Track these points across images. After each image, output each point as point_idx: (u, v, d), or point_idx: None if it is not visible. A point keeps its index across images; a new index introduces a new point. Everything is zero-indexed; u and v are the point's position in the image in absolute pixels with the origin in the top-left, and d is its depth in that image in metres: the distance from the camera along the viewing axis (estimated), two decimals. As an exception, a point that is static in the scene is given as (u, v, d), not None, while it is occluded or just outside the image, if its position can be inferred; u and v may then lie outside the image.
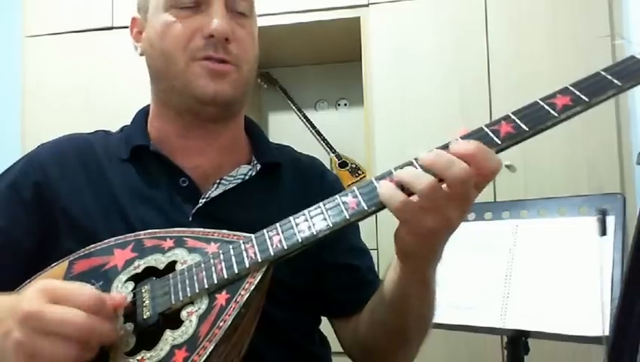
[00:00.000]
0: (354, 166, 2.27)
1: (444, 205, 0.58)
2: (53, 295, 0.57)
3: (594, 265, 1.06)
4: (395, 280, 0.71)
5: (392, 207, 0.59)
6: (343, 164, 2.28)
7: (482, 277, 1.20)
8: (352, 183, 2.21)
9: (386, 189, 0.59)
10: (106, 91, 2.05)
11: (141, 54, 0.89)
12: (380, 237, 1.79)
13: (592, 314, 1.03)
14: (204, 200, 0.82)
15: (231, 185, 0.85)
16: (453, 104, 1.81)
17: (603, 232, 1.02)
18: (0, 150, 1.87)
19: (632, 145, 1.69)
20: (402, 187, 0.59)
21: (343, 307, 0.88)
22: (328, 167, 1.05)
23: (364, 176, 2.18)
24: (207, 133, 0.86)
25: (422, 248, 0.64)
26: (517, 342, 1.13)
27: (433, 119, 1.82)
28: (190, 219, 0.81)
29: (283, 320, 0.81)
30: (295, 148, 1.03)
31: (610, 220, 1.08)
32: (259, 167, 0.88)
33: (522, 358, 1.13)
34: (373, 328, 0.81)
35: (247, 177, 0.87)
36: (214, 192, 0.83)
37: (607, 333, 0.95)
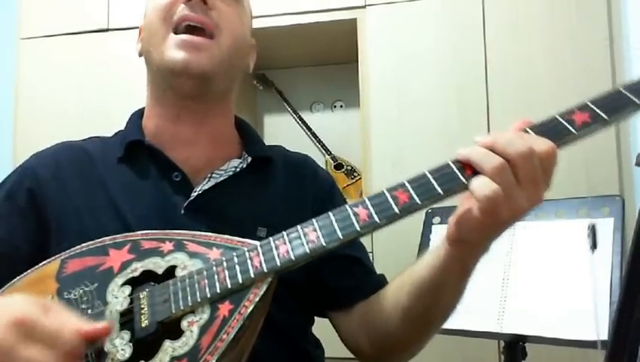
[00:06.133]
0: (350, 168, 2.26)
1: (514, 188, 0.56)
2: (29, 333, 0.54)
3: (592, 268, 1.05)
4: (437, 265, 0.69)
5: (488, 166, 0.56)
6: (338, 166, 2.27)
7: (479, 280, 1.17)
8: (348, 185, 2.21)
9: (479, 150, 0.58)
10: (101, 93, 2.04)
11: (140, 55, 0.90)
12: (375, 241, 1.77)
13: (590, 318, 1.02)
14: (195, 193, 0.83)
15: (222, 178, 0.86)
16: (451, 106, 1.80)
17: (594, 246, 1.01)
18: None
19: (630, 146, 1.68)
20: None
21: (347, 296, 0.87)
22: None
23: (360, 179, 2.17)
24: (195, 119, 0.87)
25: (483, 235, 0.62)
26: (514, 347, 1.12)
27: (430, 121, 1.81)
28: (182, 211, 0.81)
29: (279, 316, 0.80)
30: (289, 149, 1.02)
31: (609, 222, 1.07)
32: (249, 159, 0.89)
33: (520, 363, 1.12)
34: (396, 315, 0.79)
35: (237, 170, 0.88)
36: (206, 186, 0.84)
37: (602, 338, 0.94)
